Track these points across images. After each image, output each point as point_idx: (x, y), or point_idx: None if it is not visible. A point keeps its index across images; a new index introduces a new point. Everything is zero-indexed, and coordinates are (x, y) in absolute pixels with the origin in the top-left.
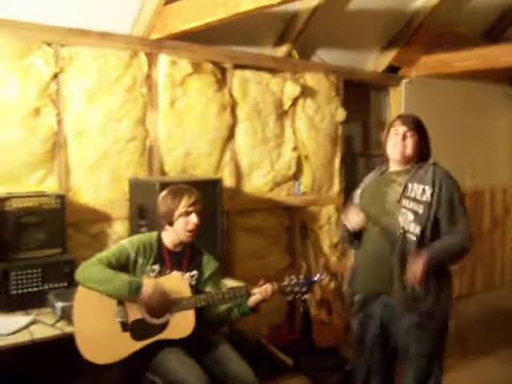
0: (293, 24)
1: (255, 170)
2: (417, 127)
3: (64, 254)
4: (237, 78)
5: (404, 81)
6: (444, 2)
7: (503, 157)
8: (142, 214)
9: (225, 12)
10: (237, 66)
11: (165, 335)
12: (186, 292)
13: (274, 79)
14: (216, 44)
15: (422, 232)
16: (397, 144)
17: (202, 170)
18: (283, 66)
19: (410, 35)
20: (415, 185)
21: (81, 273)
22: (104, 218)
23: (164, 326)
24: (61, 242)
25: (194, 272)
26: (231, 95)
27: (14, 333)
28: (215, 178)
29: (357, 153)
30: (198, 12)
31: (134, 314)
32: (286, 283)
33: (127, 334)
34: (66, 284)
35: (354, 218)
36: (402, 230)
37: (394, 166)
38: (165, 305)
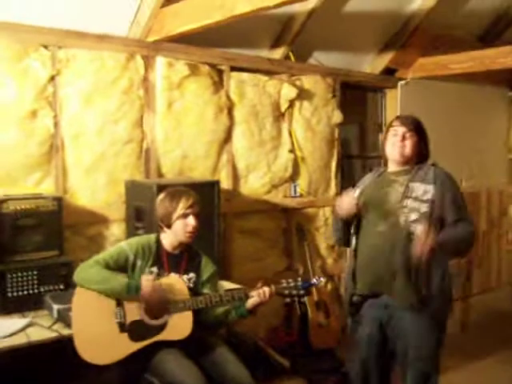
0: (289, 26)
1: (252, 172)
2: (416, 128)
3: (61, 256)
4: (234, 80)
5: (401, 83)
6: (440, 5)
7: (499, 158)
8: (139, 216)
9: (221, 14)
10: (233, 69)
11: (163, 336)
12: (184, 294)
13: (271, 81)
14: (213, 46)
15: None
16: (396, 144)
17: (199, 172)
18: (280, 68)
19: (406, 37)
20: (417, 184)
21: (79, 274)
22: (101, 220)
23: (162, 328)
24: (58, 244)
25: (192, 274)
26: (228, 97)
27: (11, 335)
28: (212, 180)
29: (353, 155)
30: (195, 14)
31: (133, 314)
32: (283, 286)
33: (125, 335)
34: (62, 286)
35: (347, 203)
36: (405, 231)
37: (392, 167)
38: (163, 305)
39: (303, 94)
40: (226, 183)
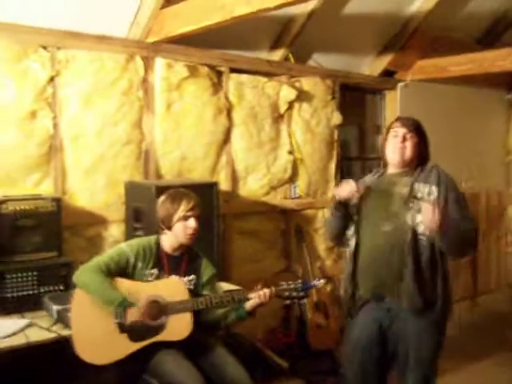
0: (289, 28)
1: (251, 173)
2: (416, 129)
3: (60, 257)
4: (233, 82)
5: (400, 85)
6: (439, 7)
7: (498, 160)
8: (138, 218)
9: (221, 16)
10: (233, 70)
11: (162, 337)
12: (184, 295)
13: (270, 83)
14: (212, 48)
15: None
16: (396, 146)
17: (198, 174)
18: (279, 69)
19: (405, 40)
20: (421, 185)
21: (79, 277)
22: (100, 221)
23: (162, 328)
24: (57, 245)
25: (192, 276)
26: (227, 99)
27: (10, 336)
28: (211, 181)
29: (352, 156)
30: (195, 16)
31: (132, 315)
32: (283, 288)
33: (125, 335)
34: (62, 287)
35: (347, 191)
36: (411, 232)
37: (392, 169)
38: (162, 308)
39: (302, 96)
40: (224, 184)
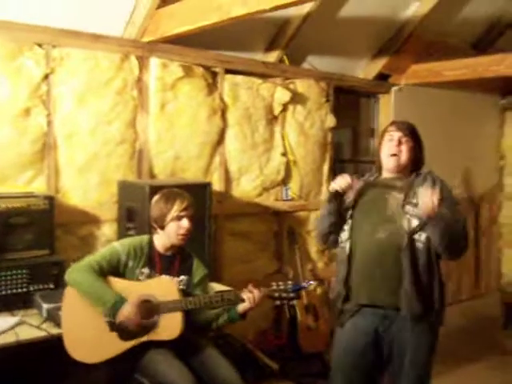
0: (284, 30)
1: (244, 174)
2: (411, 133)
3: (52, 256)
4: (227, 83)
5: (394, 88)
6: (434, 12)
7: (491, 165)
8: (131, 217)
9: (217, 16)
10: (228, 71)
11: (152, 336)
12: (175, 295)
13: (265, 84)
14: (207, 48)
15: (428, 238)
16: (391, 149)
17: (192, 174)
18: (274, 71)
19: (400, 44)
20: (417, 190)
21: (71, 275)
22: (93, 220)
23: (152, 328)
24: (49, 243)
25: (184, 276)
26: (222, 99)
27: (0, 334)
28: (205, 181)
29: (346, 159)
30: (191, 16)
31: (123, 314)
32: (273, 288)
33: (114, 334)
34: (52, 285)
35: (342, 180)
36: (407, 238)
37: (387, 173)
38: (153, 308)
39: (297, 98)
40: (217, 185)
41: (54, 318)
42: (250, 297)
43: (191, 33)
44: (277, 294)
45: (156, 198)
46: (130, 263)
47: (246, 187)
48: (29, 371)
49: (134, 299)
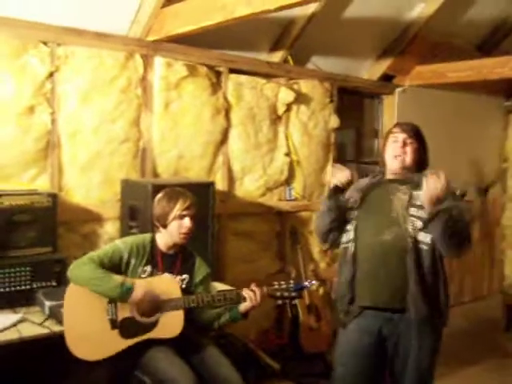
0: (289, 30)
1: (247, 174)
2: (416, 135)
3: (54, 253)
4: (231, 83)
5: (398, 90)
6: (439, 13)
7: (494, 168)
8: (133, 215)
9: (222, 16)
10: (232, 71)
11: (154, 334)
12: (177, 293)
13: (269, 84)
14: (212, 48)
15: (433, 240)
16: (396, 151)
17: (195, 173)
18: (278, 71)
19: (405, 45)
20: (420, 193)
21: (72, 271)
22: (95, 218)
23: (153, 325)
24: (51, 241)
25: (186, 275)
26: (225, 99)
27: (2, 330)
28: (208, 181)
29: (349, 160)
30: (195, 15)
31: (124, 311)
32: (275, 288)
33: (116, 332)
34: (55, 283)
35: (340, 174)
36: (412, 240)
37: (392, 175)
38: (155, 305)
39: (300, 98)
40: (221, 185)
41: (56, 315)
42: (251, 296)
43: (196, 32)
44: (279, 294)
45: (159, 196)
46: (133, 261)
47: (249, 187)
48: (30, 368)
49: (142, 286)
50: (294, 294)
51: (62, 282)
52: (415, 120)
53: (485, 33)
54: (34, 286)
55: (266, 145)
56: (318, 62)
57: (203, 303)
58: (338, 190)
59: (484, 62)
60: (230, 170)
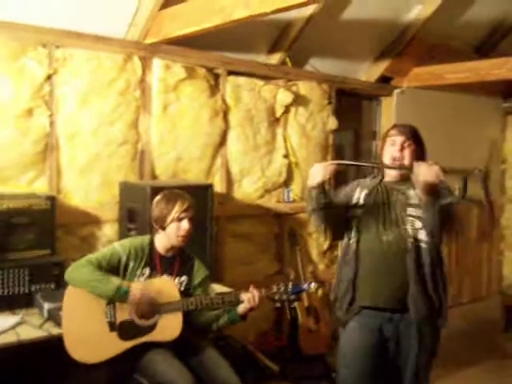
0: (287, 32)
1: (246, 176)
2: (413, 137)
3: (53, 256)
4: (230, 84)
5: (396, 91)
6: (437, 15)
7: (492, 169)
8: (132, 218)
9: (220, 18)
10: (230, 73)
11: (152, 337)
12: (175, 295)
13: (267, 86)
14: (210, 50)
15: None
16: (394, 154)
17: (193, 175)
18: (276, 73)
19: (402, 46)
20: (416, 191)
21: (70, 273)
22: (94, 221)
23: (152, 328)
24: (50, 244)
25: (184, 278)
26: (224, 101)
27: (1, 333)
28: (206, 183)
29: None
30: (193, 17)
31: (123, 314)
32: (274, 290)
33: (115, 334)
34: (54, 285)
35: (316, 173)
36: (412, 240)
37: (390, 176)
38: (153, 307)
39: (299, 100)
40: (219, 187)
41: (55, 317)
42: (250, 298)
43: (194, 34)
44: (277, 297)
45: (157, 198)
46: (131, 264)
47: (247, 189)
48: (29, 371)
49: (139, 289)
50: (292, 297)
51: (61, 284)
52: (413, 121)
53: (482, 34)
54: (33, 288)
55: (265, 147)
56: (316, 64)
57: (202, 306)
58: (320, 190)
59: (481, 64)
60: (228, 172)
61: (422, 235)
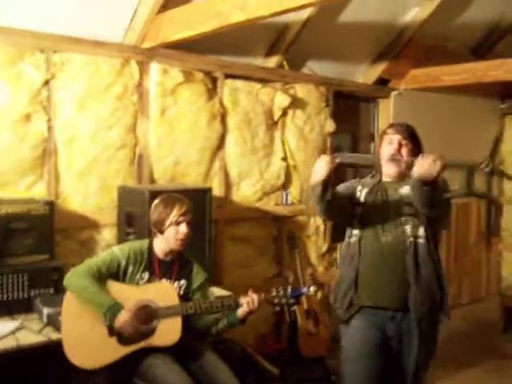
0: (284, 35)
1: (244, 179)
2: (410, 135)
3: (52, 261)
4: (227, 88)
5: (393, 93)
6: (434, 17)
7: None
8: (131, 222)
9: (217, 22)
10: (228, 76)
11: (152, 342)
12: (174, 300)
13: (265, 89)
14: (207, 53)
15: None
16: (391, 152)
17: (192, 179)
18: (274, 76)
19: (400, 48)
20: (405, 188)
21: (69, 280)
22: (92, 225)
23: (151, 333)
24: (49, 248)
25: (183, 281)
26: (221, 104)
27: (0, 338)
28: (204, 186)
29: (345, 163)
30: (191, 21)
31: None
32: (273, 294)
33: (114, 339)
34: (53, 290)
35: (319, 168)
36: (411, 239)
37: (387, 176)
38: (151, 313)
39: (296, 103)
40: (218, 190)
41: (54, 322)
42: (249, 301)
43: (191, 38)
44: (276, 300)
45: (155, 202)
46: (130, 268)
47: (246, 192)
48: (28, 376)
49: (130, 305)
50: (291, 301)
51: (60, 289)
52: (411, 123)
53: (479, 36)
54: (32, 293)
55: (263, 150)
56: (313, 67)
57: (201, 310)
58: (326, 181)
59: (478, 66)
60: (226, 176)
61: (420, 232)
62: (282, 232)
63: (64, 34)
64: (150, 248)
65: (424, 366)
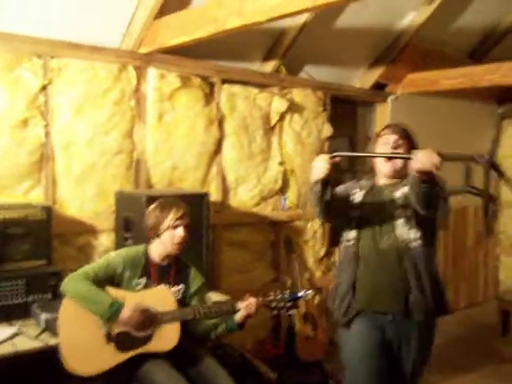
0: (281, 40)
1: (241, 184)
2: (406, 136)
3: (49, 266)
4: (225, 93)
5: (390, 98)
6: (430, 22)
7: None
8: (128, 227)
9: (214, 28)
10: (225, 81)
11: (150, 347)
12: (172, 305)
13: (262, 94)
14: (205, 59)
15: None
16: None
17: (189, 184)
18: (271, 81)
19: (396, 53)
20: (400, 191)
21: (66, 286)
22: (90, 230)
23: (149, 339)
24: (46, 254)
25: (181, 286)
26: (219, 110)
27: None
28: (202, 191)
29: (343, 168)
30: (188, 27)
31: (119, 325)
32: (271, 298)
33: (112, 346)
34: (50, 296)
35: (319, 166)
36: (408, 241)
37: (383, 179)
38: (149, 318)
39: (294, 108)
40: (215, 195)
41: (52, 328)
42: (247, 305)
43: (188, 43)
44: (273, 304)
45: (152, 206)
46: (127, 273)
47: (243, 197)
48: (25, 382)
49: (131, 304)
50: (288, 305)
51: (58, 294)
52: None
53: (475, 40)
54: (29, 298)
55: (260, 154)
56: (310, 72)
57: (200, 315)
58: (325, 180)
59: (474, 70)
60: (224, 181)
61: (417, 234)
62: (279, 237)
63: (61, 40)
64: (146, 253)
65: (421, 369)
